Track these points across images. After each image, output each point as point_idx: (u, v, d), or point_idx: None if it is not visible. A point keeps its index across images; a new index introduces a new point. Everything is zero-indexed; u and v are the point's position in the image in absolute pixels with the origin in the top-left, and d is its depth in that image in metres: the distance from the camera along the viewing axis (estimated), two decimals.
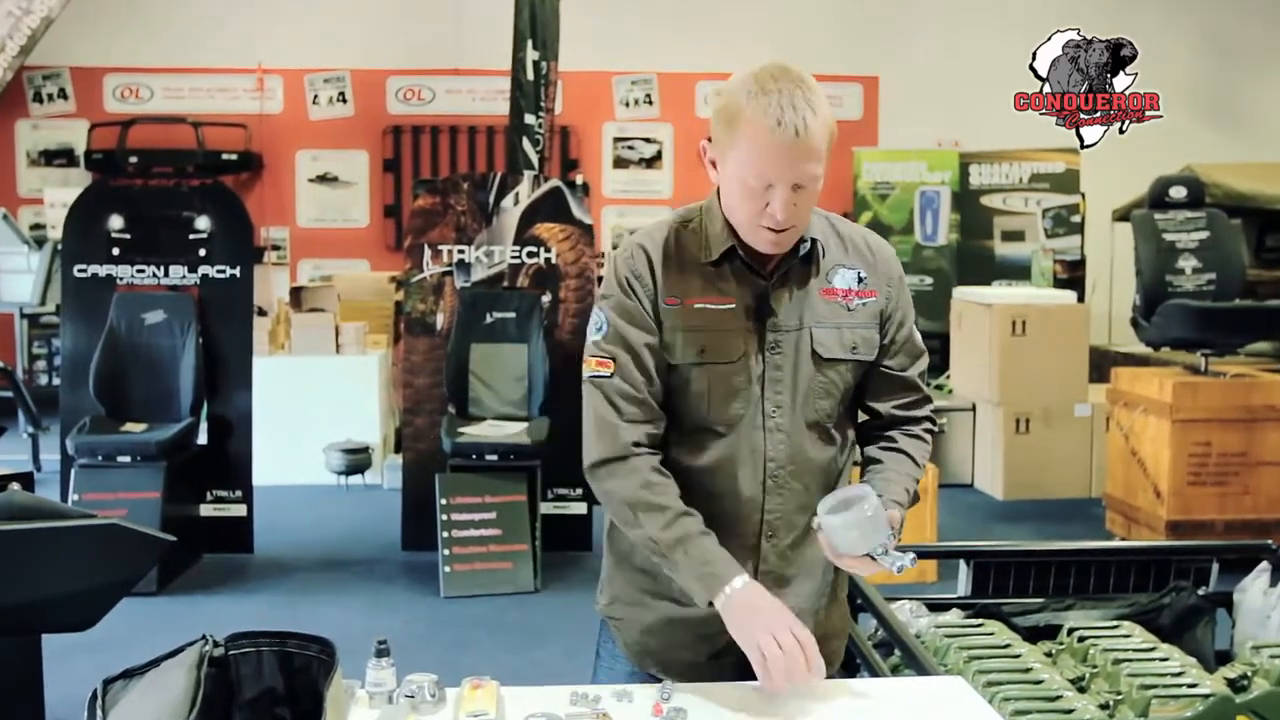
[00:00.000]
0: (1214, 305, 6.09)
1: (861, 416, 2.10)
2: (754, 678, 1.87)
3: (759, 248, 1.92)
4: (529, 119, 7.86)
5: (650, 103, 10.61)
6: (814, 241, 1.97)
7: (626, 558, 2.05)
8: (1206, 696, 2.34)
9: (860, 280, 2.00)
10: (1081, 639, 2.63)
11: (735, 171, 1.87)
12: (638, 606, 2.04)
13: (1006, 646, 2.58)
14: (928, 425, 2.09)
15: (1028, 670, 2.44)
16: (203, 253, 5.89)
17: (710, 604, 1.86)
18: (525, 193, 6.22)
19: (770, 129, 1.81)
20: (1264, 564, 2.95)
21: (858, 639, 2.48)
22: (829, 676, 2.05)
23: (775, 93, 1.82)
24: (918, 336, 2.09)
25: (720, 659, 1.98)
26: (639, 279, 1.95)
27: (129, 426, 5.62)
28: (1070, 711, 2.29)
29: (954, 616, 2.79)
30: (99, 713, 1.53)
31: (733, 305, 1.94)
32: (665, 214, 2.10)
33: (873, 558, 1.84)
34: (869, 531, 1.82)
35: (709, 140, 1.94)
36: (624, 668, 2.07)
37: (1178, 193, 6.43)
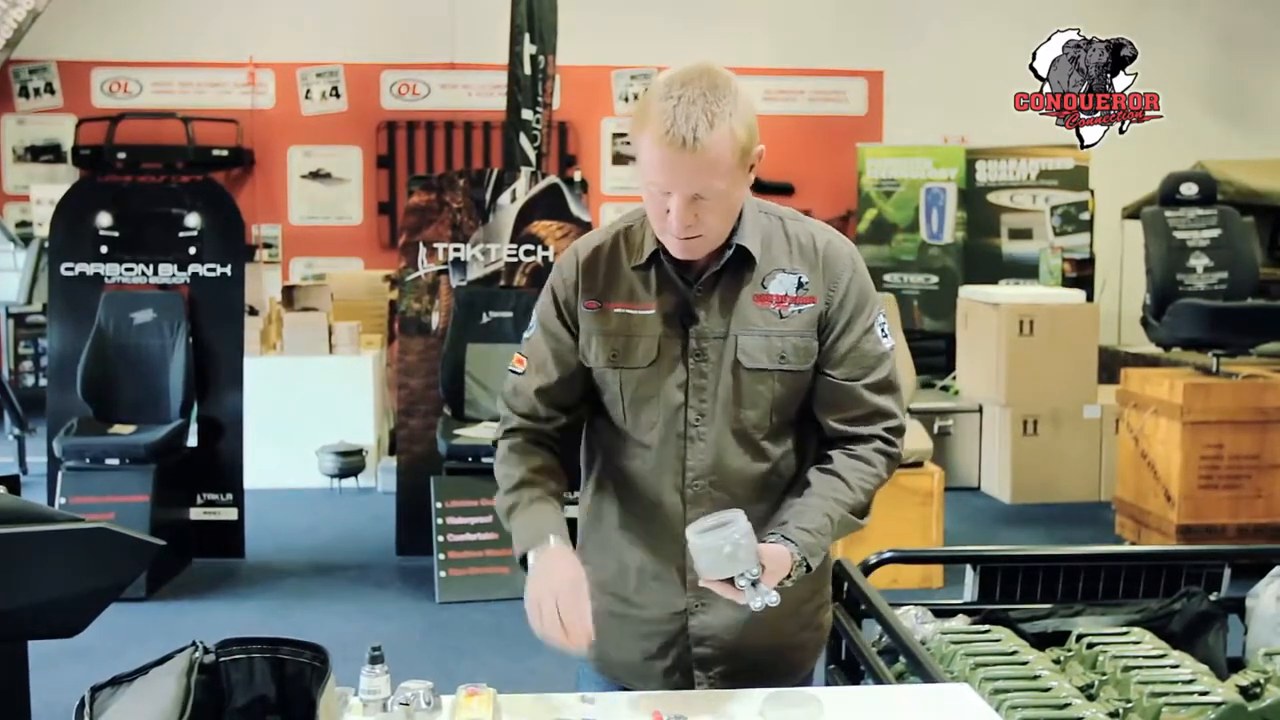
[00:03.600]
0: (1226, 304, 6.09)
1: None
2: (693, 685, 1.97)
3: (670, 252, 1.91)
4: (526, 114, 7.86)
5: None
6: (738, 248, 1.92)
7: (580, 544, 2.10)
8: (1218, 704, 2.34)
9: (800, 285, 1.95)
10: (1090, 645, 2.63)
11: (641, 174, 1.87)
12: (610, 618, 2.05)
13: (1014, 653, 2.58)
14: (881, 445, 1.97)
15: (1035, 678, 2.44)
16: (193, 251, 5.89)
17: (524, 564, 1.93)
18: (522, 190, 6.22)
19: (660, 136, 1.79)
20: (1277, 569, 2.94)
21: (861, 645, 2.48)
22: (797, 683, 2.06)
23: (676, 99, 1.78)
24: (878, 345, 1.97)
25: (655, 661, 2.02)
26: (564, 283, 2.01)
27: (117, 428, 5.62)
28: None
29: (960, 622, 2.79)
30: None
31: (651, 311, 1.95)
32: None
33: (733, 583, 1.79)
34: (727, 559, 1.77)
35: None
36: (600, 677, 2.11)
37: (1189, 189, 6.44)
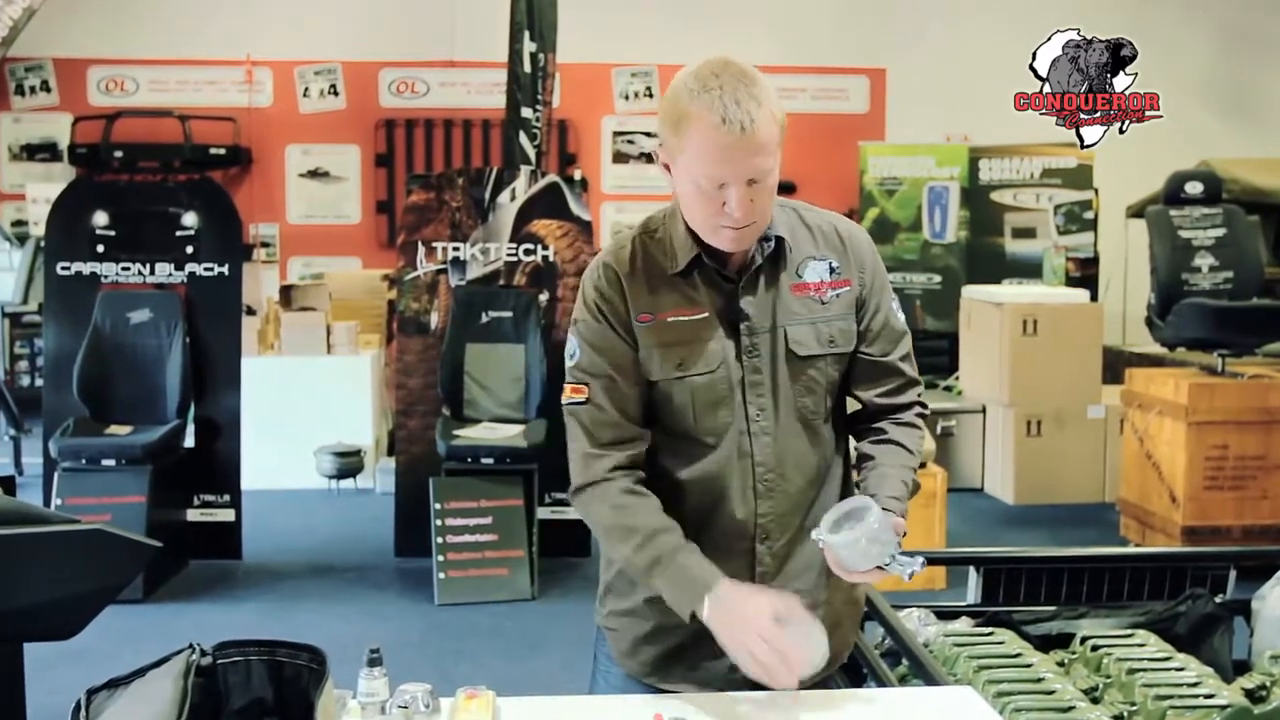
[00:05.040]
0: (1231, 304, 6.09)
1: (851, 406, 2.10)
2: (750, 685, 1.90)
3: (722, 247, 1.93)
4: (526, 112, 7.86)
5: (651, 95, 10.61)
6: (778, 240, 1.97)
7: (620, 568, 2.06)
8: (1224, 707, 2.34)
9: (832, 271, 2.01)
10: (1095, 648, 2.63)
11: (687, 174, 1.87)
12: (631, 617, 2.06)
13: (1017, 656, 2.58)
14: (919, 410, 2.09)
15: (1039, 680, 2.44)
16: (190, 250, 5.88)
17: (693, 617, 1.88)
18: (522, 188, 6.21)
19: (715, 127, 1.81)
20: None
21: (864, 648, 2.48)
22: (836, 668, 2.09)
23: (717, 89, 1.82)
24: (897, 318, 2.08)
25: (713, 666, 1.99)
26: (607, 301, 1.97)
27: (114, 429, 5.62)
28: None
29: (963, 625, 2.79)
30: None
31: (706, 314, 1.96)
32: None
33: (881, 568, 1.86)
34: (876, 544, 1.83)
35: (660, 145, 1.93)
36: (619, 674, 2.09)
37: (1194, 188, 6.43)
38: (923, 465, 5.59)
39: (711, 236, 1.92)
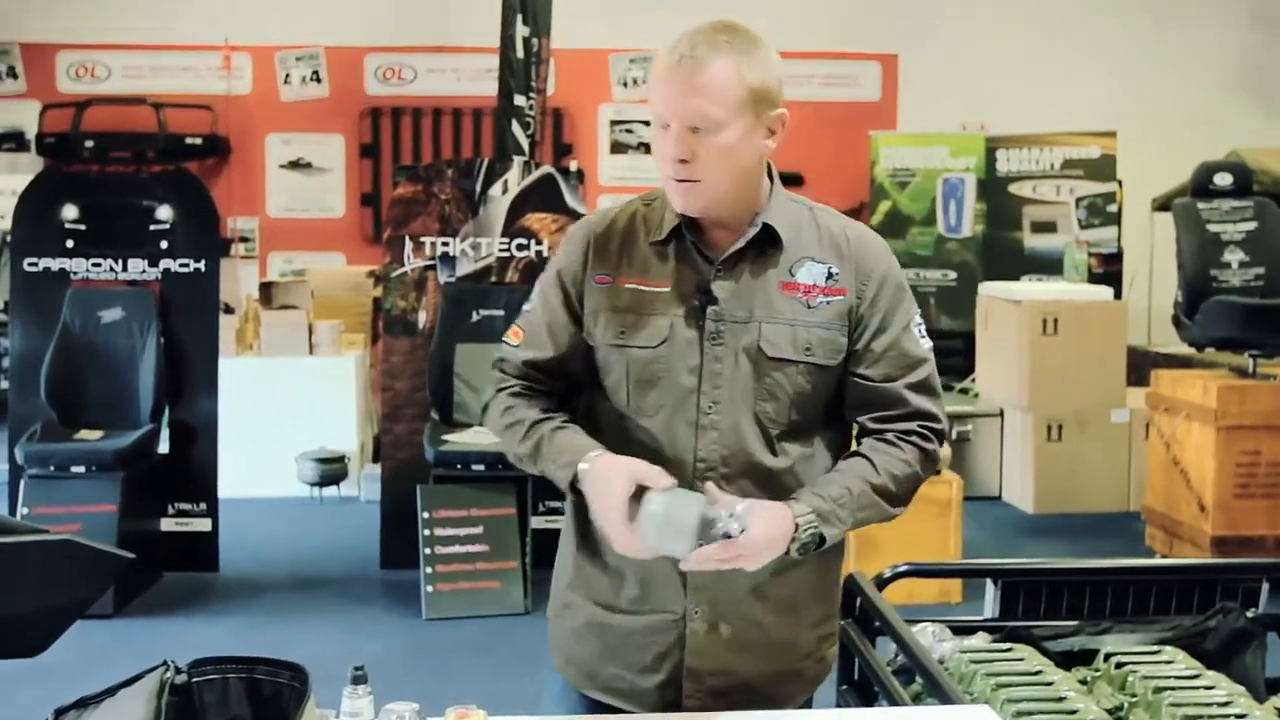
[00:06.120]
0: (1263, 302, 6.09)
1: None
2: (691, 707, 1.95)
3: (673, 204, 1.94)
4: (519, 100, 7.84)
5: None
6: (766, 227, 1.96)
7: (565, 548, 2.11)
8: None
9: (830, 276, 1.97)
10: (1119, 665, 2.63)
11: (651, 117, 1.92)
12: (566, 609, 2.10)
13: (1038, 673, 2.57)
14: (915, 439, 1.99)
15: (1061, 699, 2.44)
16: (164, 245, 5.88)
17: (577, 491, 1.91)
18: (515, 180, 6.22)
19: (663, 56, 1.88)
20: None
21: (875, 665, 2.48)
22: (805, 704, 2.07)
23: (692, 30, 1.88)
24: (918, 345, 2.00)
25: (648, 674, 2.00)
26: (571, 255, 2.03)
27: (83, 434, 5.62)
28: None
29: (980, 640, 2.79)
30: None
31: (666, 288, 1.96)
32: None
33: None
34: (668, 528, 1.79)
35: None
36: (559, 681, 2.12)
37: (1223, 180, 6.43)
38: (935, 472, 5.64)
39: (668, 190, 1.94)
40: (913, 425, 1.99)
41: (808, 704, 2.11)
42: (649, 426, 1.97)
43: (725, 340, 1.94)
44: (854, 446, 2.04)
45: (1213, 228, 6.35)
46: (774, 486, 1.95)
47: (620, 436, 1.98)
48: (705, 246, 1.96)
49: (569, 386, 2.06)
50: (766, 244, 1.96)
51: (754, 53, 1.88)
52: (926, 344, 2.02)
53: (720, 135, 1.86)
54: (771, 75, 1.91)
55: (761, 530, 1.82)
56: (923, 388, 2.01)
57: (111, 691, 1.64)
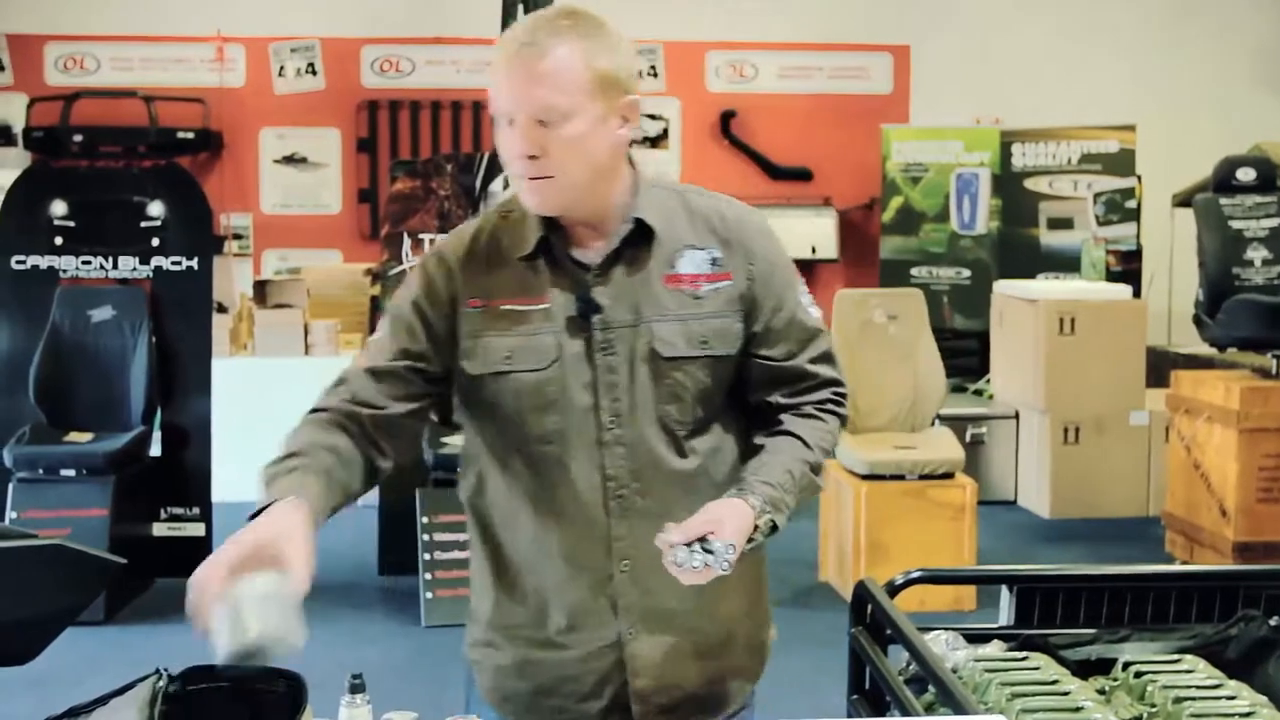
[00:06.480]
0: None
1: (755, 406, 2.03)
2: None
3: (526, 205, 1.88)
4: None
5: (655, 75, 10.60)
6: (638, 222, 1.91)
7: (477, 582, 2.09)
8: None
9: (714, 263, 1.93)
10: (1138, 674, 2.63)
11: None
12: (490, 647, 2.05)
13: (1054, 682, 2.57)
14: (830, 406, 2.00)
15: (1078, 709, 2.44)
16: (156, 242, 5.89)
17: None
18: None
19: (501, 46, 1.83)
20: None
21: (887, 674, 2.48)
22: (741, 712, 2.07)
23: (532, 16, 1.83)
24: (809, 314, 2.00)
25: (590, 702, 1.97)
26: (428, 286, 1.94)
27: (73, 436, 5.63)
28: None
29: (995, 649, 2.78)
30: None
31: (545, 305, 1.90)
32: None
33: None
34: (235, 623, 1.69)
35: None
36: (492, 716, 2.05)
37: (1246, 175, 6.43)
38: (949, 476, 5.65)
39: (517, 188, 1.88)
40: (825, 394, 2.00)
41: (749, 707, 2.11)
42: (549, 453, 1.91)
43: (616, 348, 1.89)
44: (763, 423, 2.00)
45: (1235, 224, 6.35)
46: (688, 490, 1.92)
47: (521, 474, 1.94)
48: (577, 253, 1.91)
49: (402, 410, 1.95)
50: (641, 240, 1.91)
51: (600, 36, 1.82)
52: (816, 312, 2.03)
53: (569, 126, 1.80)
54: (620, 59, 1.85)
55: (736, 537, 1.80)
56: (825, 358, 2.01)
57: (103, 700, 1.65)
